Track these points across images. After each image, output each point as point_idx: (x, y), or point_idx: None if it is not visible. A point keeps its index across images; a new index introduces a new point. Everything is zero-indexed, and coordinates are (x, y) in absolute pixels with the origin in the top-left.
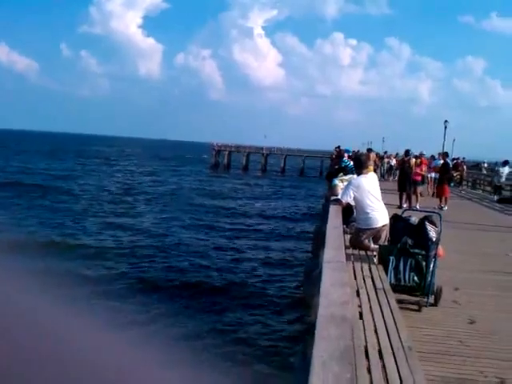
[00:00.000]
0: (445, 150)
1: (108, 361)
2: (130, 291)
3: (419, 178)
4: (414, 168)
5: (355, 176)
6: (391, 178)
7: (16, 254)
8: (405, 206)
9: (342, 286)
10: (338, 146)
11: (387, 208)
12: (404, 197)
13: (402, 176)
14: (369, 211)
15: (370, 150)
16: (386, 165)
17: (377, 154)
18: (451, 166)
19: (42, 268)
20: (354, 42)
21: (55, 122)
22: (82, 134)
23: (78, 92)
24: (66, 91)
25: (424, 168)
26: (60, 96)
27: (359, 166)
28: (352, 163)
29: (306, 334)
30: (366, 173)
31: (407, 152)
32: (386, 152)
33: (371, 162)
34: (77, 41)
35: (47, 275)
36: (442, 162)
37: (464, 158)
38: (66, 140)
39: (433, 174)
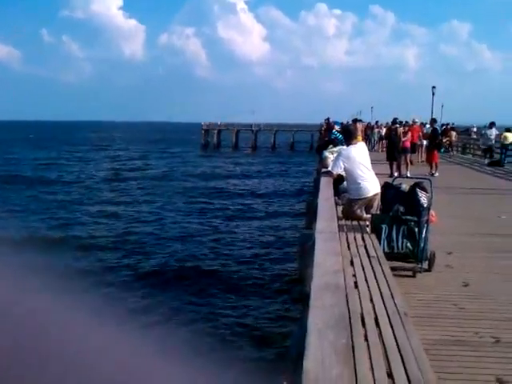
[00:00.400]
0: (433, 117)
1: (104, 352)
2: (123, 280)
3: (408, 145)
4: (401, 136)
5: (345, 147)
6: (381, 150)
7: (7, 248)
8: (396, 174)
9: (334, 255)
10: (328, 118)
11: (379, 178)
12: (394, 165)
13: (390, 145)
14: (360, 181)
15: (356, 121)
16: (376, 135)
17: (367, 125)
18: (440, 132)
19: (34, 261)
20: (338, 11)
21: (39, 109)
22: (68, 120)
23: (61, 78)
24: (50, 78)
25: (417, 135)
26: (43, 83)
27: (348, 136)
28: (341, 135)
29: (303, 304)
30: (355, 143)
31: (394, 120)
32: (377, 122)
33: (359, 132)
34: (58, 26)
35: (40, 268)
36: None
37: (453, 124)
38: (51, 128)
39: (424, 142)
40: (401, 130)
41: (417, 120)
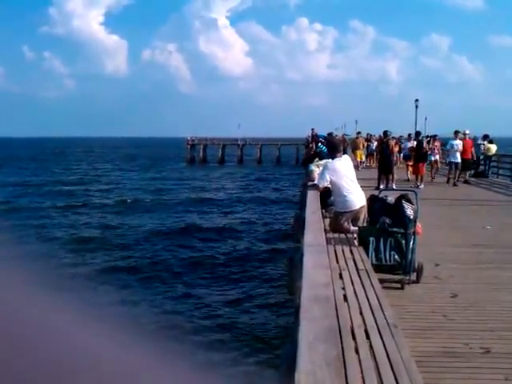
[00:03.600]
0: (417, 129)
1: (100, 354)
2: (113, 282)
3: (394, 159)
4: (393, 149)
5: (330, 160)
6: (374, 165)
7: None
8: (382, 186)
9: (323, 268)
10: (312, 129)
11: (365, 191)
12: (384, 179)
13: (382, 158)
14: (346, 194)
15: (358, 134)
16: (368, 148)
17: (366, 138)
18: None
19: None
20: (319, 26)
21: (20, 126)
22: (51, 137)
23: (43, 94)
24: (32, 94)
25: (470, 150)
26: (25, 100)
27: (332, 149)
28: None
29: (293, 317)
30: (340, 156)
31: (386, 133)
32: (369, 134)
33: (361, 146)
34: (39, 42)
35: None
36: (412, 143)
37: (436, 136)
38: (29, 145)
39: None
40: (392, 142)
41: (468, 132)
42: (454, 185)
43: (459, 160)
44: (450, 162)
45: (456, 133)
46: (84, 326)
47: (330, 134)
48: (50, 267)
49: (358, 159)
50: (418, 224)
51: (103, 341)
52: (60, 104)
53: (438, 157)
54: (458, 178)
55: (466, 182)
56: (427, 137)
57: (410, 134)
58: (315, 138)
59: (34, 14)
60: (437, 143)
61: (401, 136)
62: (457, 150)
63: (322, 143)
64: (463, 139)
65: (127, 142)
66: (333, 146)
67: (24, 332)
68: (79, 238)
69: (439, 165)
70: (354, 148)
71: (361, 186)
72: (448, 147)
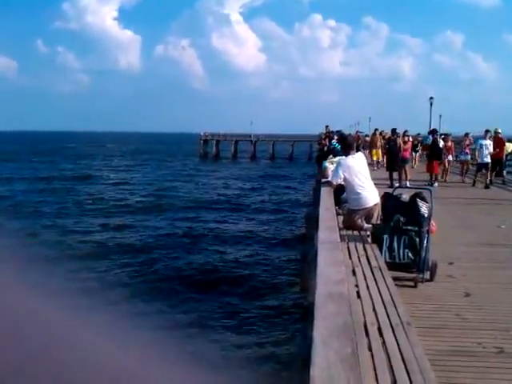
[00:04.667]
0: (433, 127)
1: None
2: (125, 286)
3: (407, 156)
4: (401, 147)
5: (344, 157)
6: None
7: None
8: (396, 184)
9: (337, 264)
10: (327, 126)
11: (378, 189)
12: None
13: (390, 155)
14: (359, 191)
15: (376, 130)
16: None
17: (380, 133)
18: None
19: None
20: (332, 23)
21: (36, 120)
22: (65, 131)
23: (57, 89)
24: (45, 89)
25: (502, 149)
26: (39, 94)
27: (346, 147)
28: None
29: (306, 314)
30: (354, 153)
31: (394, 131)
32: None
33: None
34: (53, 37)
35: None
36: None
37: (449, 134)
38: (47, 139)
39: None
40: (400, 140)
41: (499, 131)
42: (486, 187)
43: (489, 160)
44: (479, 164)
45: (486, 132)
46: (94, 328)
47: (338, 132)
48: (63, 272)
49: (375, 158)
50: (432, 222)
51: (110, 341)
52: (73, 99)
53: (450, 157)
54: (491, 179)
55: (490, 181)
56: (441, 135)
57: (434, 129)
58: (330, 134)
59: (48, 9)
60: (450, 143)
61: (418, 134)
62: (486, 150)
63: (336, 140)
64: (494, 137)
65: (139, 137)
66: (346, 143)
67: (30, 333)
68: (91, 242)
69: (452, 165)
70: (371, 146)
71: (375, 185)
72: (477, 147)
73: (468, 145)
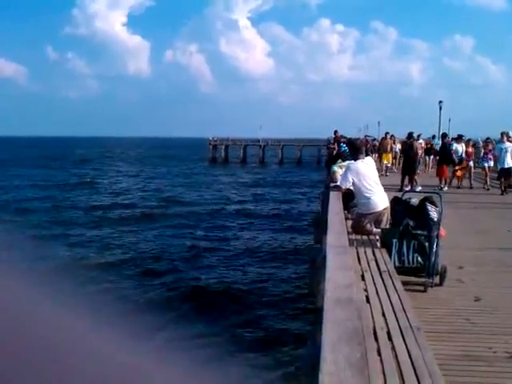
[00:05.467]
0: (443, 131)
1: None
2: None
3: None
4: (417, 150)
5: (353, 161)
6: (395, 168)
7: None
8: (407, 188)
9: (346, 269)
10: (335, 131)
11: (388, 192)
12: (406, 180)
13: (407, 159)
14: (368, 195)
15: (387, 134)
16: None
17: (391, 137)
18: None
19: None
20: (340, 27)
21: (45, 126)
22: (75, 136)
23: (66, 94)
24: (54, 94)
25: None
26: (50, 99)
27: (354, 151)
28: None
29: (315, 319)
30: (363, 157)
31: (410, 135)
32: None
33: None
34: (62, 43)
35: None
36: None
37: (469, 139)
38: (56, 144)
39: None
40: (416, 144)
41: None
42: (503, 193)
43: (510, 165)
44: (501, 169)
45: (502, 134)
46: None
47: (347, 139)
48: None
49: (385, 162)
50: (441, 227)
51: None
52: (82, 104)
53: (471, 163)
54: (506, 184)
55: (510, 186)
56: (452, 139)
57: (444, 134)
58: (339, 139)
59: (58, 15)
60: (470, 149)
61: (433, 136)
62: (506, 154)
63: (345, 143)
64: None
65: (148, 142)
66: (355, 148)
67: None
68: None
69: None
70: (381, 150)
71: (384, 189)
72: (497, 151)
73: (491, 150)
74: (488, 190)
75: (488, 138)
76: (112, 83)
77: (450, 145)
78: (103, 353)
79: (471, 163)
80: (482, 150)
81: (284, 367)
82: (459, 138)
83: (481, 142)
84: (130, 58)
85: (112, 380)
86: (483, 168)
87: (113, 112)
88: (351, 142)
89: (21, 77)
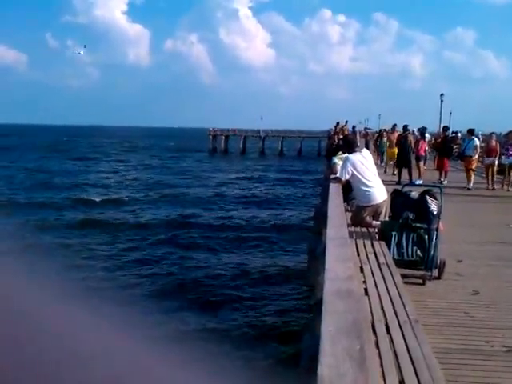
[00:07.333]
0: (444, 124)
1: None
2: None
3: (422, 153)
4: (412, 143)
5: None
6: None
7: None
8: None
9: (346, 261)
10: (337, 123)
11: (386, 185)
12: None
13: (401, 151)
14: (367, 188)
15: (395, 126)
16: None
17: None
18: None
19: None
20: (342, 18)
21: (46, 114)
22: (75, 125)
23: (67, 82)
24: (55, 83)
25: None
26: (50, 87)
27: (348, 146)
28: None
29: (314, 310)
30: (360, 150)
31: (405, 127)
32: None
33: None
34: (62, 31)
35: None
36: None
37: (460, 132)
38: (54, 132)
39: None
40: (411, 137)
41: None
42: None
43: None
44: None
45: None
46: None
47: (353, 127)
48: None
49: (390, 158)
50: (441, 221)
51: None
52: (83, 92)
53: (495, 159)
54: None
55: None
56: (452, 132)
57: (445, 127)
58: (342, 130)
59: (57, 3)
60: (494, 143)
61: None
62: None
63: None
64: None
65: (148, 132)
66: (349, 143)
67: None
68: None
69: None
70: (388, 145)
71: (383, 182)
72: None
73: (511, 145)
74: (508, 190)
75: (511, 132)
76: (112, 72)
77: (471, 140)
78: (95, 344)
79: (495, 160)
80: (495, 144)
81: (282, 359)
82: (470, 133)
83: (481, 137)
84: (130, 47)
85: (109, 371)
86: (502, 166)
87: (113, 101)
88: (344, 138)
89: (20, 64)
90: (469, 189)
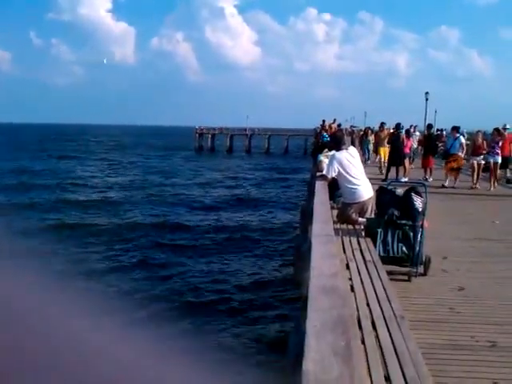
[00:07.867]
0: (428, 122)
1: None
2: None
3: (407, 151)
4: (404, 141)
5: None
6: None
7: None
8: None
9: (331, 257)
10: (323, 121)
11: (372, 182)
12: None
13: (393, 150)
14: (353, 185)
15: (383, 124)
16: (371, 143)
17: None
18: (435, 137)
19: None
20: (328, 16)
21: (32, 113)
22: (61, 123)
23: (52, 81)
24: (40, 81)
25: (508, 147)
26: (34, 85)
27: (336, 143)
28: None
29: (299, 307)
30: (346, 148)
31: (398, 125)
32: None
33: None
34: (46, 29)
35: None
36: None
37: (445, 129)
38: (38, 131)
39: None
40: (403, 135)
41: (508, 126)
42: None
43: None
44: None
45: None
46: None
47: (339, 126)
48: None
49: (383, 159)
50: (425, 218)
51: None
52: (68, 91)
53: (480, 158)
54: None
55: (508, 181)
56: (437, 130)
57: (429, 125)
58: (327, 128)
59: (42, 1)
60: (480, 140)
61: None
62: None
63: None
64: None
65: (134, 131)
66: (336, 140)
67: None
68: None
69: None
70: (378, 143)
71: (369, 179)
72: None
73: (498, 142)
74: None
75: (503, 127)
76: (98, 70)
77: (456, 138)
78: (94, 345)
79: (480, 159)
80: (481, 142)
81: (268, 354)
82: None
83: (466, 135)
84: (115, 45)
85: (106, 371)
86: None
87: (99, 99)
88: (331, 135)
89: (4, 62)
90: (446, 187)
